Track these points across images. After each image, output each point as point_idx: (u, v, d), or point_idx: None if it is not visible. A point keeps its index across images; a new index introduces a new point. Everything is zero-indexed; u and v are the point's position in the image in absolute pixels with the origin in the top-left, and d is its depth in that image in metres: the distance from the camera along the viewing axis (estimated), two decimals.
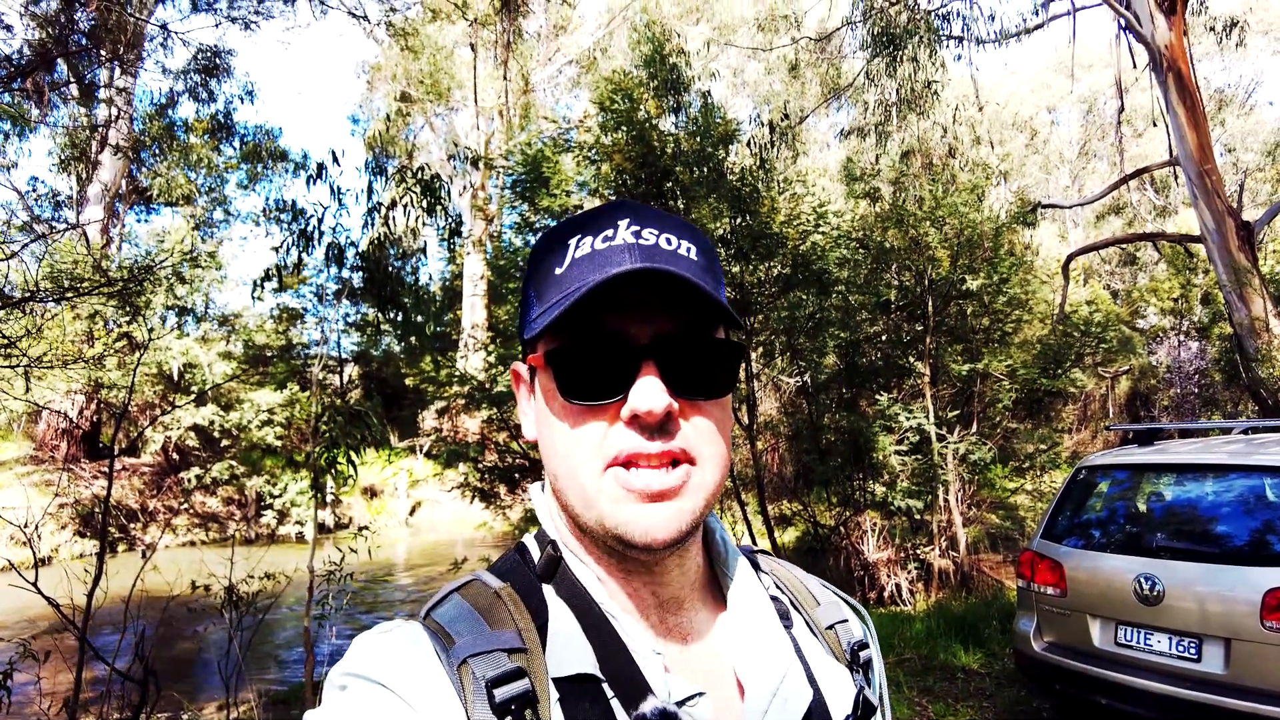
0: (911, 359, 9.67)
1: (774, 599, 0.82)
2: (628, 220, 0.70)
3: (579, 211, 0.79)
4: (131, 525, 14.95)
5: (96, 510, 13.90)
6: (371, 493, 19.26)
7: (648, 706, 0.64)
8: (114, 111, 15.87)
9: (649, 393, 0.66)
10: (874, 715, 0.78)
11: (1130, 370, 21.45)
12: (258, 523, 16.58)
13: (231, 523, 16.38)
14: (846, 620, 0.86)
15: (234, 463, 16.68)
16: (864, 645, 0.84)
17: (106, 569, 4.71)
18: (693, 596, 0.77)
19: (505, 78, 20.20)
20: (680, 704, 0.67)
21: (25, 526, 4.92)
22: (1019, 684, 5.66)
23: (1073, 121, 34.16)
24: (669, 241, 0.70)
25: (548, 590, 0.73)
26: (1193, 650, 3.84)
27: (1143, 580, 4.03)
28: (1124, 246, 25.99)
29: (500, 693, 0.62)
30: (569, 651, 0.67)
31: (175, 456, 17.15)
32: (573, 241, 0.70)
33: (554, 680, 0.65)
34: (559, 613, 0.71)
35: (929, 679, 6.07)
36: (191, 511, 16.35)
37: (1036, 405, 10.20)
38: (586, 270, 0.67)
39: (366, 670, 0.64)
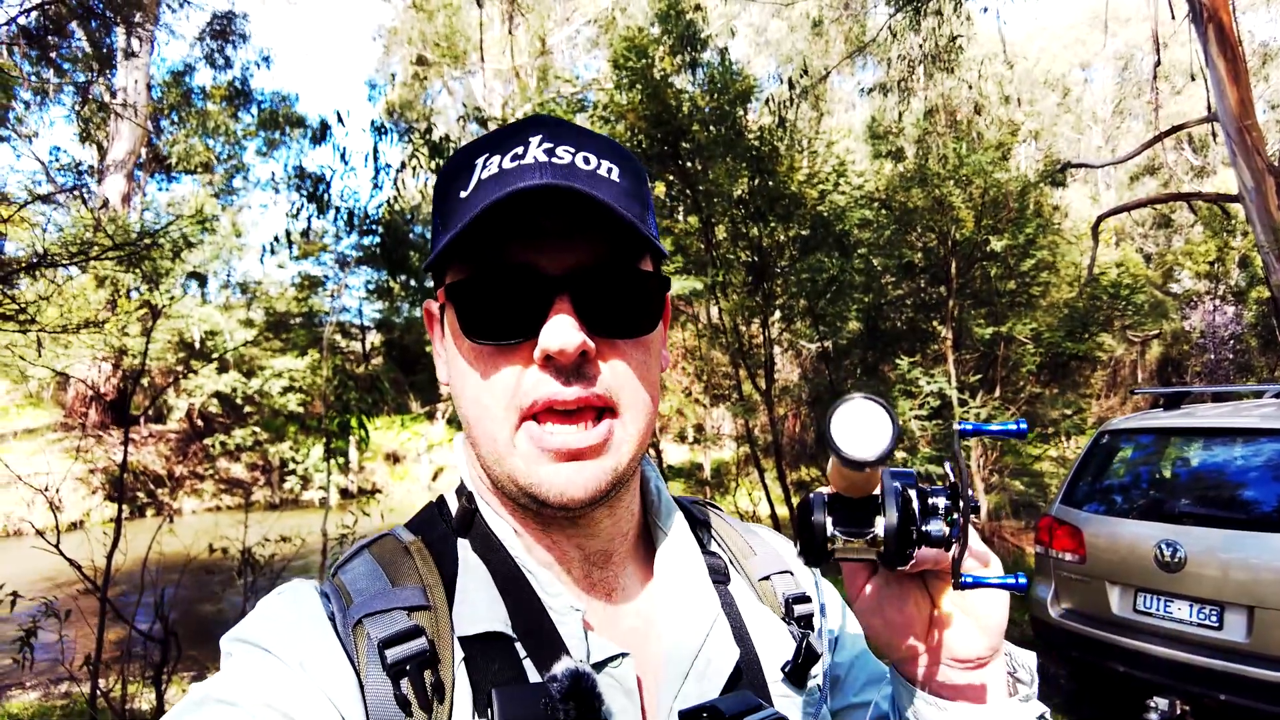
0: (935, 323, 9.50)
1: (714, 554, 0.78)
2: (540, 137, 0.63)
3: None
4: (158, 490, 15.25)
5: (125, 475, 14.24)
6: (394, 458, 19.48)
7: (560, 667, 0.59)
8: (131, 79, 15.88)
9: (560, 331, 0.60)
10: (816, 663, 0.73)
11: (1161, 335, 20.98)
12: (282, 488, 16.85)
13: (256, 488, 16.66)
14: (788, 572, 0.81)
15: (257, 429, 16.91)
16: (803, 598, 0.79)
17: (132, 533, 4.79)
18: (623, 550, 0.73)
19: (511, 33, 19.89)
20: (600, 665, 0.64)
21: (46, 490, 5.00)
22: (1036, 651, 5.58)
23: (1107, 79, 33.13)
24: (586, 160, 0.63)
25: (462, 545, 0.69)
26: (1214, 618, 3.73)
27: (1164, 546, 3.92)
28: (1158, 207, 25.28)
29: (393, 653, 0.58)
30: (477, 609, 0.64)
31: (200, 423, 17.43)
32: (479, 161, 0.64)
33: (461, 639, 0.62)
34: (471, 568, 0.67)
35: None
36: (216, 477, 16.64)
37: (1062, 370, 9.99)
38: (492, 192, 0.60)
39: (252, 635, 0.61)
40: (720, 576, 0.76)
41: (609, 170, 0.63)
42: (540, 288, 0.61)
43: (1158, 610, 3.96)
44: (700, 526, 0.81)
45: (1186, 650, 3.79)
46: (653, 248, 0.65)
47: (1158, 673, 3.90)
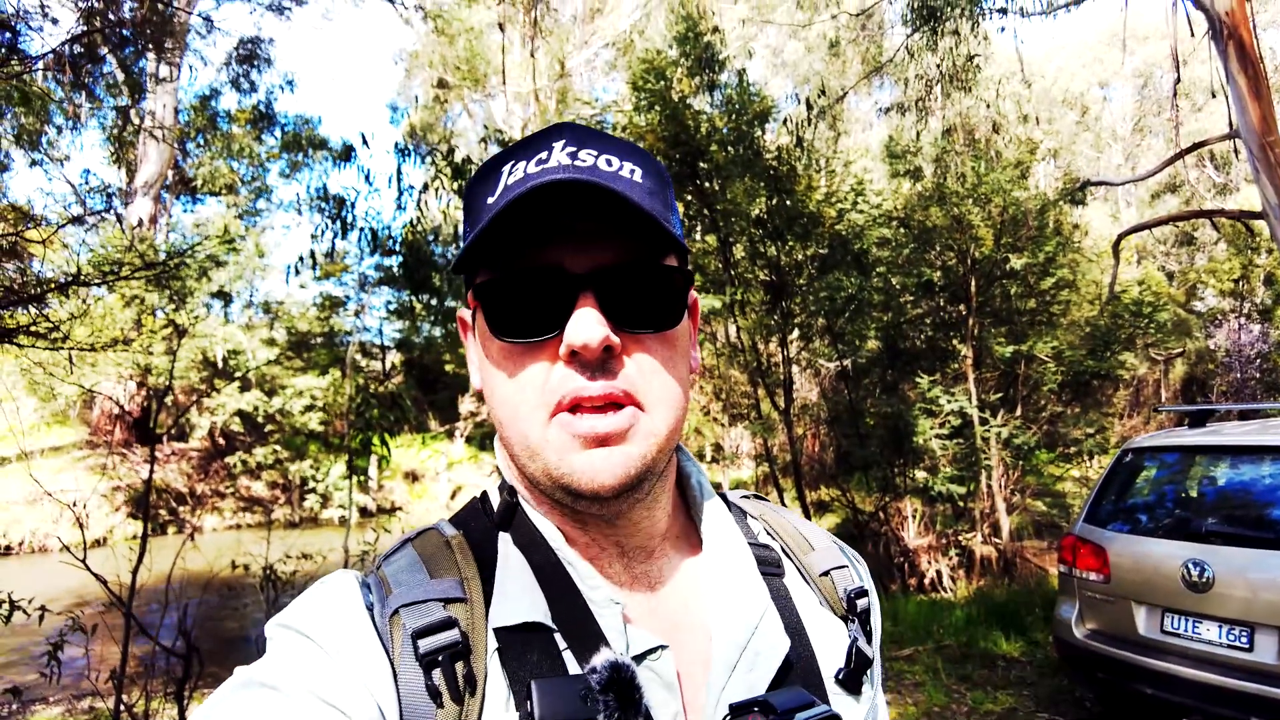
0: (955, 341, 9.45)
1: (764, 546, 0.77)
2: (564, 142, 0.64)
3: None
4: (180, 508, 15.39)
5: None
6: (413, 477, 19.56)
7: (599, 659, 0.59)
8: (160, 103, 16.21)
9: (584, 325, 0.61)
10: (869, 668, 0.73)
11: (1185, 354, 20.72)
12: (301, 506, 16.95)
13: (276, 506, 16.76)
14: (845, 566, 0.80)
15: (278, 447, 17.04)
16: (862, 592, 0.78)
17: (154, 549, 4.84)
18: (664, 545, 0.73)
19: (533, 55, 20.12)
20: (640, 658, 0.64)
21: (74, 506, 5.07)
22: (1061, 673, 5.51)
23: (1126, 97, 33.00)
24: (609, 162, 0.64)
25: (503, 538, 0.70)
26: (1244, 639, 3.67)
27: (1191, 566, 3.86)
28: (1180, 225, 25.03)
29: (425, 644, 0.59)
30: (516, 600, 0.64)
31: (221, 441, 17.59)
32: (506, 168, 0.65)
33: (497, 630, 0.62)
34: (510, 560, 0.67)
35: (968, 666, 5.94)
36: (237, 495, 16.77)
37: (1084, 389, 9.88)
38: (516, 193, 0.61)
39: (294, 622, 0.62)
40: (772, 569, 0.75)
41: (631, 171, 0.64)
42: (565, 283, 0.62)
43: (1186, 631, 3.89)
44: (749, 519, 0.81)
45: (1216, 672, 3.72)
46: (677, 245, 0.66)
47: (1186, 695, 3.83)
